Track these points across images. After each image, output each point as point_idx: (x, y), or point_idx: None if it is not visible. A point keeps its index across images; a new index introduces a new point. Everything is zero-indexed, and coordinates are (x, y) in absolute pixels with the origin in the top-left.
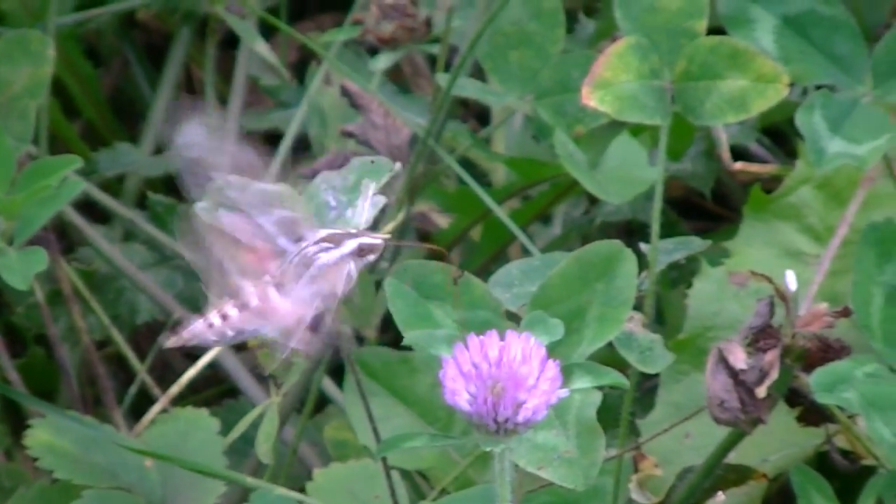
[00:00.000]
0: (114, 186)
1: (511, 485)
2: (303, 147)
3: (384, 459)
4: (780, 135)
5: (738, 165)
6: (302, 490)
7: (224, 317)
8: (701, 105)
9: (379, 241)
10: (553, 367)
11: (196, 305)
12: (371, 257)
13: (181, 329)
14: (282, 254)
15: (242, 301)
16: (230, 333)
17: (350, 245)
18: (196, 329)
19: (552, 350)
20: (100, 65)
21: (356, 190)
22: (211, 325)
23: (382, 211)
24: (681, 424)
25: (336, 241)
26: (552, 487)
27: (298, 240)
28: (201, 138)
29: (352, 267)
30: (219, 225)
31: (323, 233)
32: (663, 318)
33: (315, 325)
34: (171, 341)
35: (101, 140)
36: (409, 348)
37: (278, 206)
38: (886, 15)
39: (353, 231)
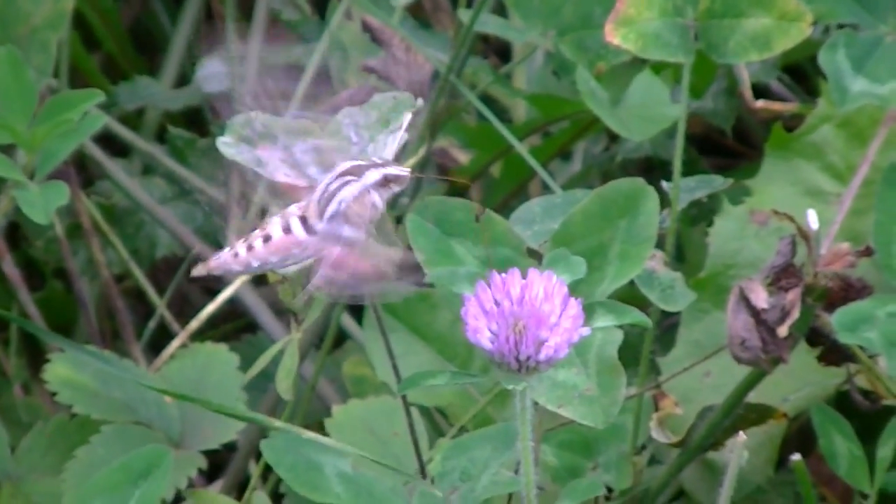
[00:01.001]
0: (133, 120)
1: (531, 423)
2: (324, 82)
3: (404, 396)
4: (801, 73)
5: (760, 103)
6: (321, 426)
7: (249, 247)
8: (724, 43)
9: (404, 172)
10: (575, 305)
11: (215, 240)
12: (396, 188)
13: (207, 258)
14: (312, 183)
15: (267, 232)
16: (254, 264)
17: (372, 176)
18: (222, 259)
19: (574, 288)
20: None
21: (378, 125)
22: (236, 255)
23: (403, 146)
24: (701, 363)
25: (358, 172)
26: (572, 426)
27: (329, 169)
28: (222, 71)
29: (376, 198)
30: (242, 159)
31: (345, 165)
32: (684, 256)
33: (338, 264)
34: (196, 269)
35: (121, 73)
36: (432, 285)
37: (309, 135)
38: None
39: (378, 161)
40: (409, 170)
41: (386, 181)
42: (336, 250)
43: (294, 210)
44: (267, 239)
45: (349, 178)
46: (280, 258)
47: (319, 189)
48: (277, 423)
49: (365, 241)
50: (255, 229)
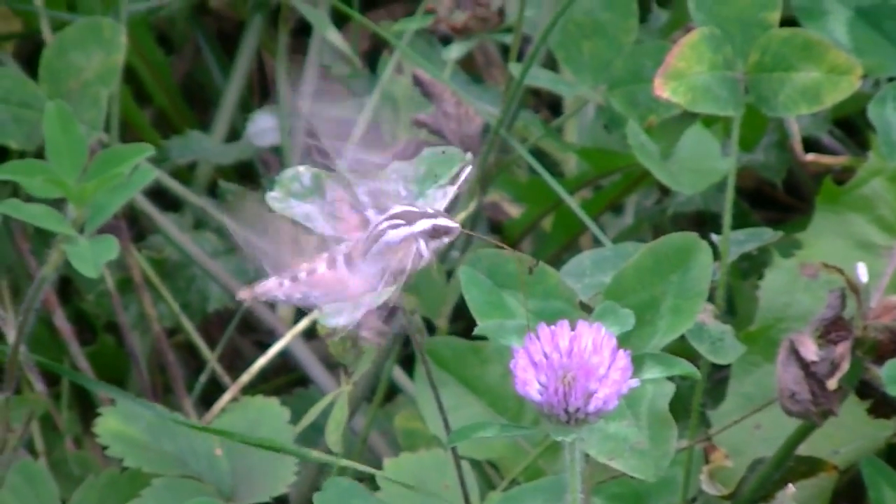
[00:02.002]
0: (185, 174)
1: (581, 475)
2: (375, 136)
3: (454, 449)
4: (852, 126)
5: (810, 157)
6: (372, 479)
7: (293, 278)
8: (774, 96)
9: (454, 225)
10: (624, 357)
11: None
12: (445, 240)
13: (252, 286)
14: (367, 225)
15: (313, 266)
16: (297, 296)
17: (422, 224)
18: (267, 286)
19: (626, 341)
20: (171, 52)
21: (427, 179)
22: (281, 285)
23: (454, 200)
24: (751, 416)
25: (409, 218)
26: (623, 478)
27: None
28: (273, 126)
29: (422, 247)
30: (290, 214)
31: (397, 209)
32: (734, 309)
33: (381, 311)
34: (242, 293)
35: (172, 127)
36: (480, 337)
37: (373, 177)
38: None
39: (430, 211)
40: (459, 223)
41: (436, 232)
42: (373, 292)
43: (342, 248)
44: (311, 272)
45: (399, 221)
46: (322, 293)
47: (369, 229)
48: (331, 458)
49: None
50: (304, 262)
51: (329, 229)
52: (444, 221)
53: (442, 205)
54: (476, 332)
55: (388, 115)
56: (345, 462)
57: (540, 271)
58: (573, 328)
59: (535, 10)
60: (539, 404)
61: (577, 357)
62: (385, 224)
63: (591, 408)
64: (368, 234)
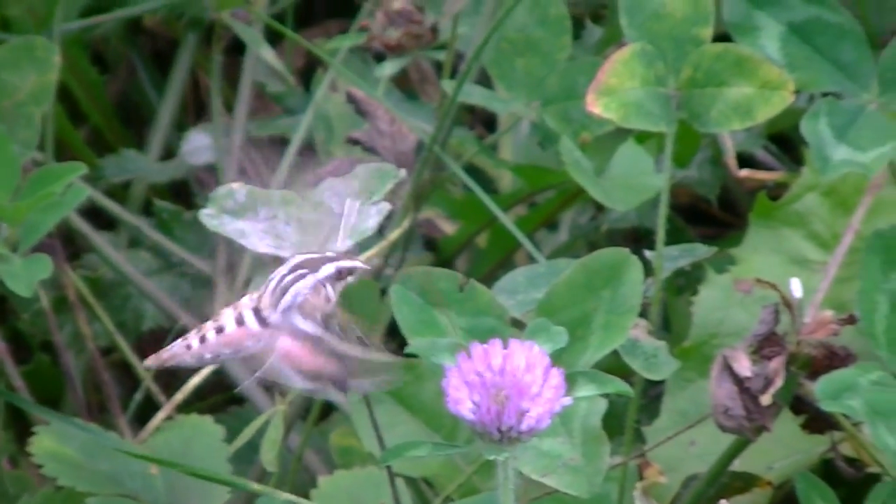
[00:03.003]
0: (120, 193)
1: (515, 492)
2: (309, 153)
3: (389, 467)
4: (786, 141)
5: (745, 172)
6: (307, 497)
7: (202, 339)
8: (706, 112)
9: (358, 264)
10: (557, 375)
11: (202, 312)
12: (351, 279)
13: (159, 352)
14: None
15: (220, 324)
16: (207, 356)
17: (326, 270)
18: (174, 350)
19: (557, 358)
20: (106, 71)
21: (361, 196)
22: (189, 347)
23: (388, 217)
24: (686, 432)
25: (313, 266)
26: (557, 495)
27: (305, 247)
28: (207, 144)
29: (329, 291)
30: (224, 231)
31: (299, 258)
32: (669, 325)
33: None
34: (148, 361)
35: (107, 146)
36: (415, 355)
37: (293, 208)
38: (893, 23)
39: (332, 255)
40: (362, 262)
41: (340, 274)
42: (289, 343)
43: (247, 302)
44: (220, 330)
45: (304, 271)
46: (233, 350)
47: (274, 281)
48: (264, 488)
49: (322, 335)
50: (208, 321)
51: (263, 247)
52: (347, 263)
53: (342, 245)
54: (407, 350)
55: (322, 132)
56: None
57: (471, 289)
58: (505, 346)
59: (469, 27)
60: (472, 423)
61: (509, 375)
62: (290, 277)
63: (524, 426)
64: (274, 287)
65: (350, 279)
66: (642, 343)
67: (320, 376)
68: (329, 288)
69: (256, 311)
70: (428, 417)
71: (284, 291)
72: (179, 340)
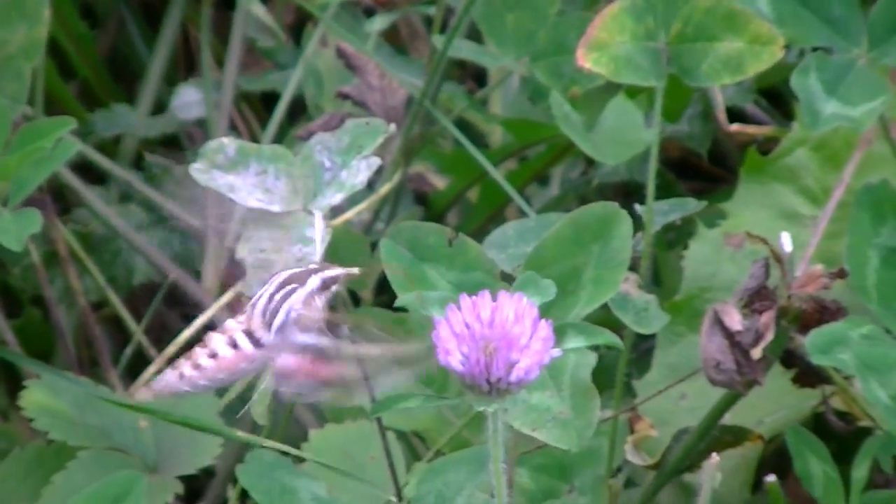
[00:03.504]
0: (110, 147)
1: (505, 446)
2: (299, 109)
3: (379, 420)
4: (777, 96)
5: (735, 127)
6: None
7: (196, 366)
8: (696, 67)
9: (340, 272)
10: (545, 327)
11: (192, 266)
12: (335, 288)
13: (151, 383)
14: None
15: (212, 349)
16: (202, 383)
17: (313, 282)
18: (167, 380)
19: (547, 311)
20: (96, 25)
21: (351, 151)
22: (182, 376)
23: (378, 172)
24: (676, 386)
25: (300, 280)
26: (546, 449)
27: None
28: (198, 99)
29: (317, 301)
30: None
31: (284, 275)
32: (659, 279)
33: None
34: (140, 393)
35: (97, 101)
36: (404, 309)
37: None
38: None
39: (314, 267)
40: (343, 269)
41: (325, 284)
42: (291, 359)
43: (234, 325)
44: (213, 356)
45: (292, 286)
46: (228, 374)
47: (262, 301)
48: (255, 438)
49: (329, 344)
50: (196, 346)
51: (253, 201)
52: (330, 272)
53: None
54: (397, 304)
55: (312, 87)
56: (268, 443)
57: (461, 243)
58: (494, 299)
59: None
60: (461, 374)
61: (498, 327)
62: (281, 293)
63: (513, 378)
64: (264, 308)
65: (335, 288)
66: (632, 297)
67: (333, 383)
68: (317, 300)
69: (248, 334)
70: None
71: (276, 311)
72: (169, 370)
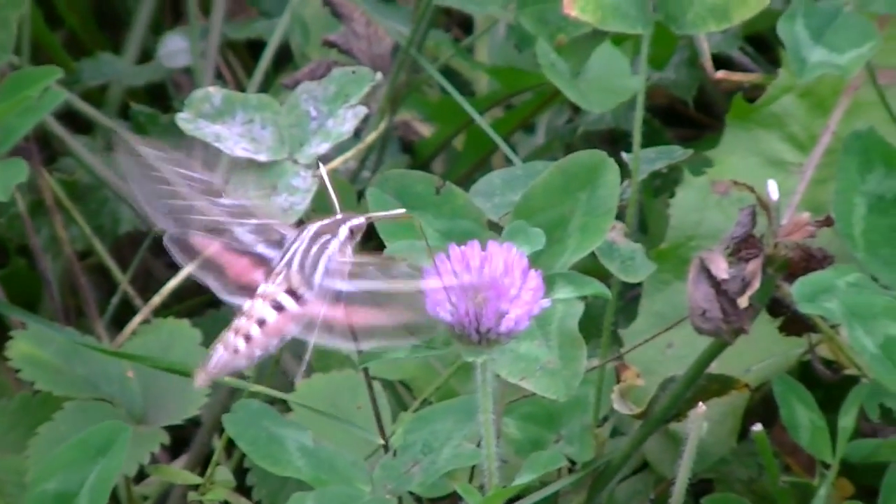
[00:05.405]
0: (96, 96)
1: (493, 395)
2: (285, 57)
3: (366, 370)
4: (762, 43)
5: (721, 74)
6: (284, 401)
7: (248, 338)
8: (683, 14)
9: (363, 220)
10: (535, 277)
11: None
12: (358, 237)
13: (204, 366)
14: (263, 261)
15: (259, 317)
16: (258, 353)
17: (344, 231)
18: (223, 360)
19: (534, 260)
20: None
21: (337, 99)
22: (237, 351)
23: (365, 120)
24: (663, 334)
25: (331, 230)
26: (534, 398)
27: (278, 243)
28: (184, 47)
29: (349, 250)
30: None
31: (315, 226)
32: (645, 227)
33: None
34: (199, 380)
35: (83, 50)
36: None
37: (249, 216)
38: None
39: (339, 217)
40: (364, 216)
41: (352, 233)
42: (335, 309)
43: (272, 288)
44: (262, 323)
45: (326, 236)
46: (280, 338)
47: (297, 258)
48: (240, 382)
49: (378, 284)
50: (240, 319)
51: (239, 150)
52: (356, 220)
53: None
54: (385, 253)
55: (299, 35)
56: (256, 388)
57: (448, 191)
58: (483, 248)
59: None
60: (450, 325)
61: (487, 277)
62: (315, 246)
63: (503, 328)
64: (301, 263)
65: (358, 237)
66: (619, 245)
67: (389, 328)
68: (349, 248)
69: (291, 293)
70: None
71: (315, 264)
72: (220, 347)
